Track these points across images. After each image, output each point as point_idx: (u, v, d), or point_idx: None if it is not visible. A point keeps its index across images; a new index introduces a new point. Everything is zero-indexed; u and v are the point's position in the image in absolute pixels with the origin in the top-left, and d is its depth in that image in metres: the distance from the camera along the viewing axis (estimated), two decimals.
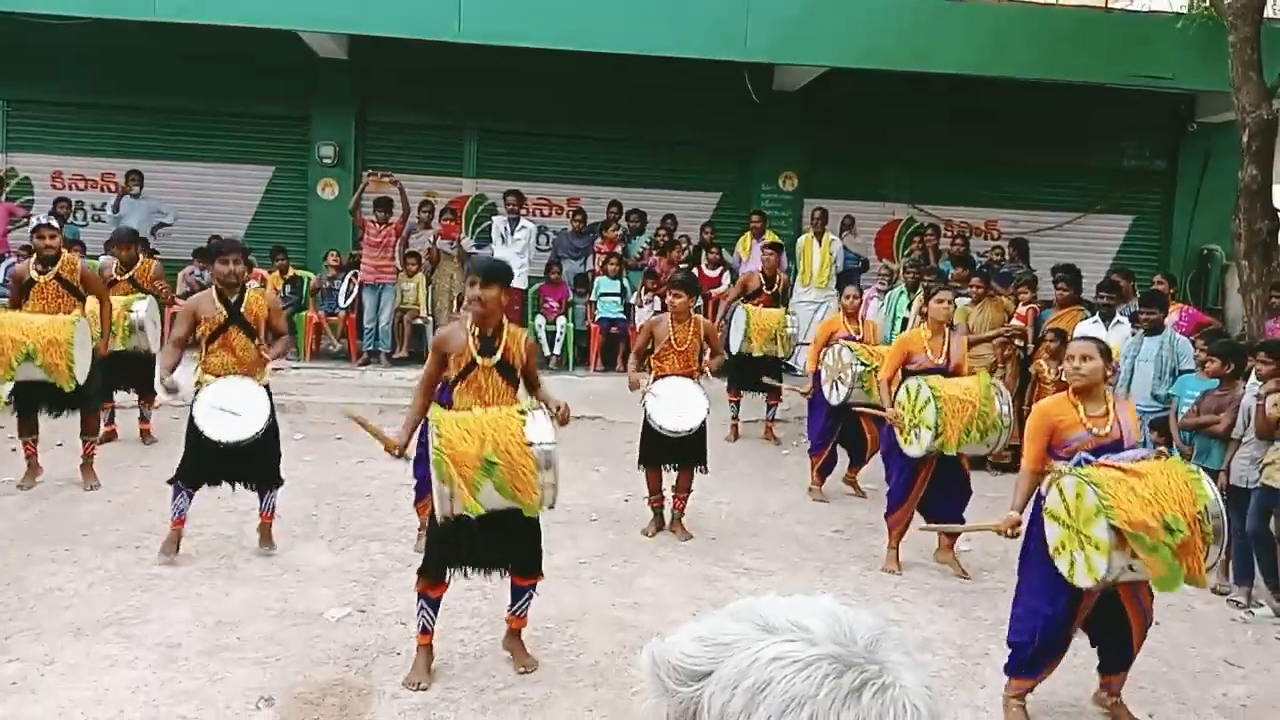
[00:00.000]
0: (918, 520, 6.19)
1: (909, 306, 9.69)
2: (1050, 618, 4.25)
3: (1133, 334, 7.99)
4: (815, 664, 0.82)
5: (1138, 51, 10.82)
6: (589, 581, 5.75)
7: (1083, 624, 4.36)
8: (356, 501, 6.93)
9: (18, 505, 6.53)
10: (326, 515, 6.64)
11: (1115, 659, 4.43)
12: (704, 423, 6.44)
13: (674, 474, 6.59)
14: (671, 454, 6.52)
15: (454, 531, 4.28)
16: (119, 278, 8.06)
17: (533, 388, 4.70)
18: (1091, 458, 4.24)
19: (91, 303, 7.10)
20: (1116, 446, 4.30)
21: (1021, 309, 9.28)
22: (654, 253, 11.79)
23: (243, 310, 5.71)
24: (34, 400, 6.82)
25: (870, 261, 12.57)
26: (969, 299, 9.26)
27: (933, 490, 6.16)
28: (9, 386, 6.48)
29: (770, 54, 11.03)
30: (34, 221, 10.97)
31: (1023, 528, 4.44)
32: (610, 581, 5.78)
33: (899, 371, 6.38)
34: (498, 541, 4.39)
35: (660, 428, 6.34)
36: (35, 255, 6.95)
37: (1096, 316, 8.45)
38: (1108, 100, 11.96)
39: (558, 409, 4.57)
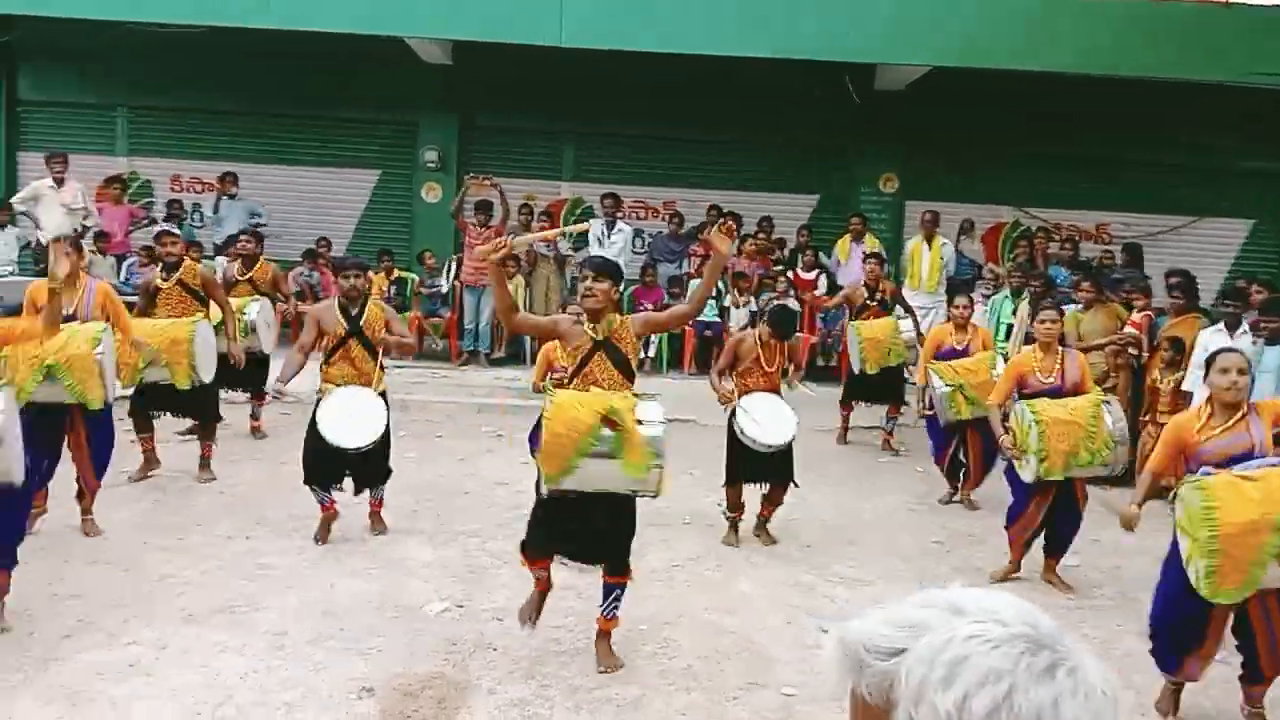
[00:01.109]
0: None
1: (1013, 312, 9.42)
2: (1183, 613, 4.29)
3: (1253, 343, 7.62)
4: (1011, 642, 0.89)
5: (1260, 48, 10.30)
6: (683, 584, 5.74)
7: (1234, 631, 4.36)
8: (456, 499, 7.05)
9: (135, 495, 6.82)
10: (427, 511, 6.77)
11: (1251, 670, 4.36)
12: (793, 439, 6.36)
13: (764, 487, 6.50)
14: (759, 469, 6.44)
15: (553, 513, 4.50)
16: (239, 278, 8.39)
17: (677, 313, 5.63)
18: (1213, 470, 4.19)
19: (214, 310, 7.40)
20: (1248, 457, 4.24)
21: (1136, 316, 8.88)
22: (750, 257, 11.68)
23: (362, 324, 5.91)
24: (157, 403, 7.10)
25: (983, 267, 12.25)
26: (1079, 304, 8.94)
27: (1052, 510, 5.94)
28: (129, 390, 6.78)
29: (872, 54, 10.86)
30: (156, 226, 11.50)
31: (1139, 524, 4.54)
32: (704, 586, 5.75)
33: (1011, 396, 6.17)
34: (592, 531, 4.51)
35: (754, 442, 6.25)
36: (159, 262, 7.28)
37: (1221, 325, 8.05)
38: (1227, 99, 11.41)
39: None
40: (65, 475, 6.04)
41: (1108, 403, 5.97)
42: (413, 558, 5.92)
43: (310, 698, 4.21)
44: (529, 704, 4.26)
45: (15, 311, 6.41)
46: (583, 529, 4.50)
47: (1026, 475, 5.81)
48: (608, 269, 4.71)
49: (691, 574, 5.91)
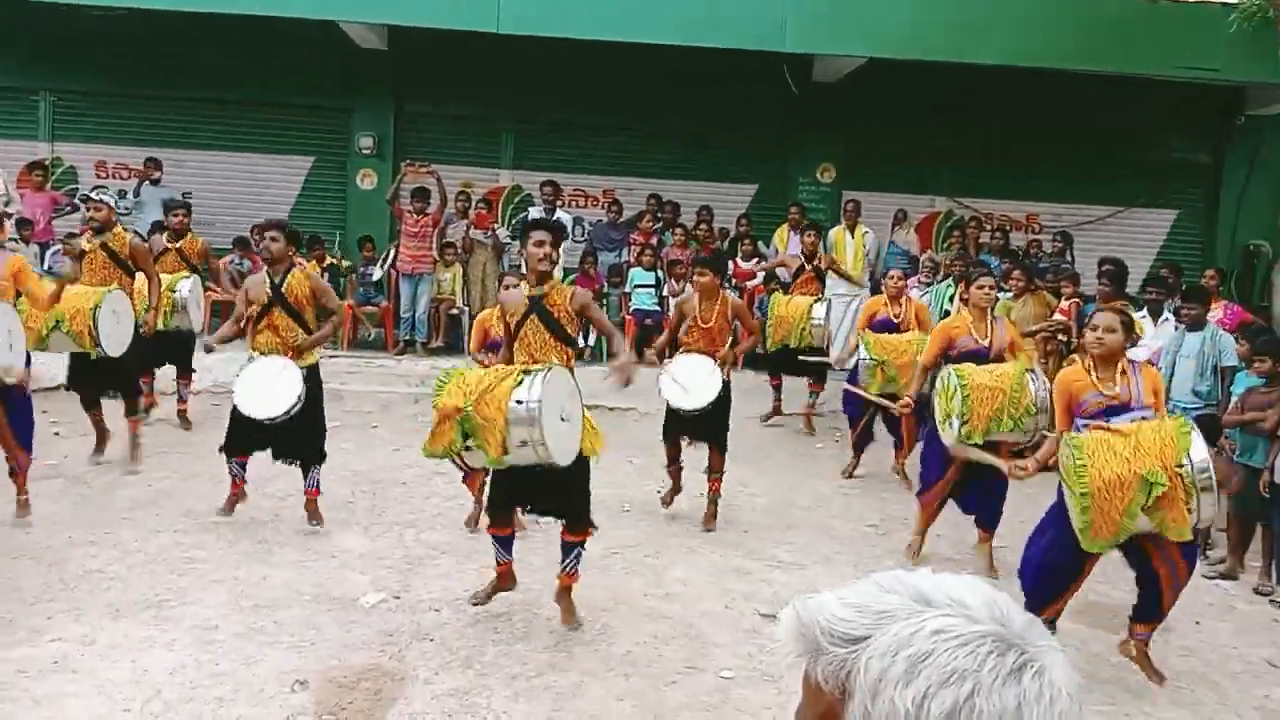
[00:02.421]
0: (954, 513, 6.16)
1: (952, 299, 9.59)
2: (1058, 562, 4.65)
3: (1176, 329, 7.84)
4: (979, 641, 0.85)
5: (1184, 43, 10.58)
6: (621, 571, 5.76)
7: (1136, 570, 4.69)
8: (392, 489, 6.98)
9: (60, 489, 6.63)
10: (362, 502, 6.70)
11: (1146, 610, 4.68)
12: (721, 401, 6.39)
13: (702, 450, 6.61)
14: (688, 428, 6.57)
15: (508, 477, 4.73)
16: (170, 246, 8.22)
17: (607, 331, 5.27)
18: (1090, 421, 4.58)
19: (140, 281, 7.25)
20: (1124, 409, 4.56)
21: (1064, 303, 9.11)
22: (681, 245, 11.71)
23: (284, 290, 5.83)
24: (84, 378, 7.02)
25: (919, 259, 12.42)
26: (1010, 293, 9.13)
27: (971, 480, 6.06)
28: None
29: (809, 45, 10.94)
30: (79, 213, 11.17)
31: (1029, 473, 4.89)
32: (642, 572, 5.77)
33: (940, 358, 6.30)
34: (545, 485, 4.72)
35: (672, 404, 6.43)
36: (84, 230, 7.13)
37: (1144, 312, 8.28)
38: (1153, 93, 11.74)
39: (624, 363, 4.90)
40: None
41: (1032, 370, 6.08)
42: (348, 549, 5.85)
43: (241, 691, 4.14)
44: (467, 693, 4.24)
45: None
46: (533, 484, 4.72)
47: (948, 438, 5.91)
48: (554, 227, 4.94)
49: (629, 560, 5.92)
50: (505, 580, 5.01)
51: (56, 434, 7.49)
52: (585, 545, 4.87)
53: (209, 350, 6.23)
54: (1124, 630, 4.82)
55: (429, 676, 4.36)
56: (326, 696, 4.16)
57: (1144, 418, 4.53)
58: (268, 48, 11.55)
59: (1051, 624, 4.75)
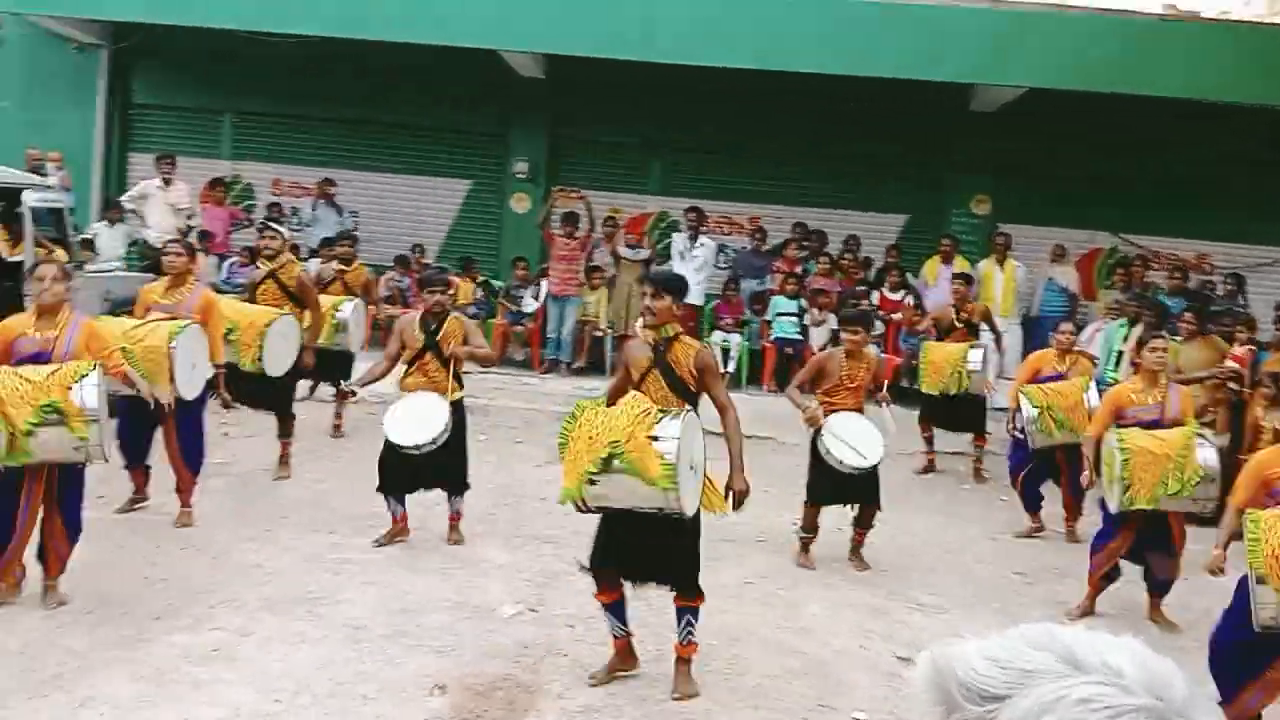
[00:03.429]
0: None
1: (1125, 339, 9.12)
2: (1244, 642, 4.29)
3: None
4: (1131, 714, 0.78)
5: None
6: (754, 602, 5.70)
7: None
8: (533, 504, 7.12)
9: (224, 487, 7.03)
10: (504, 515, 6.86)
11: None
12: (880, 461, 6.25)
13: (853, 510, 6.41)
14: (841, 491, 6.33)
15: (609, 527, 4.48)
16: (337, 276, 8.64)
17: (718, 405, 4.61)
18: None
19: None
20: None
21: (1238, 349, 8.55)
22: (825, 274, 11.54)
23: (439, 339, 6.03)
24: (239, 392, 7.06)
25: (1078, 296, 11.90)
26: (1180, 336, 8.64)
27: (1143, 543, 5.79)
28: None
29: (967, 74, 10.71)
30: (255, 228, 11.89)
31: (1228, 566, 4.57)
32: (775, 604, 5.71)
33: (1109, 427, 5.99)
34: (648, 549, 4.40)
35: (840, 463, 6.12)
36: (259, 258, 7.52)
37: None
38: None
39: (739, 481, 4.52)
40: (166, 462, 6.28)
41: (1202, 435, 5.76)
42: (488, 560, 6.00)
43: (385, 691, 4.29)
44: (597, 711, 4.28)
45: (123, 305, 6.70)
46: (639, 546, 4.41)
47: (1114, 505, 5.66)
48: (668, 283, 4.63)
49: (763, 592, 5.87)
50: (625, 660, 4.60)
51: (225, 434, 7.95)
52: (698, 612, 4.53)
53: (351, 394, 6.49)
54: None
55: (561, 691, 4.42)
56: (463, 702, 4.27)
57: None
58: (431, 75, 12.05)
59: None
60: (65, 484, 4.97)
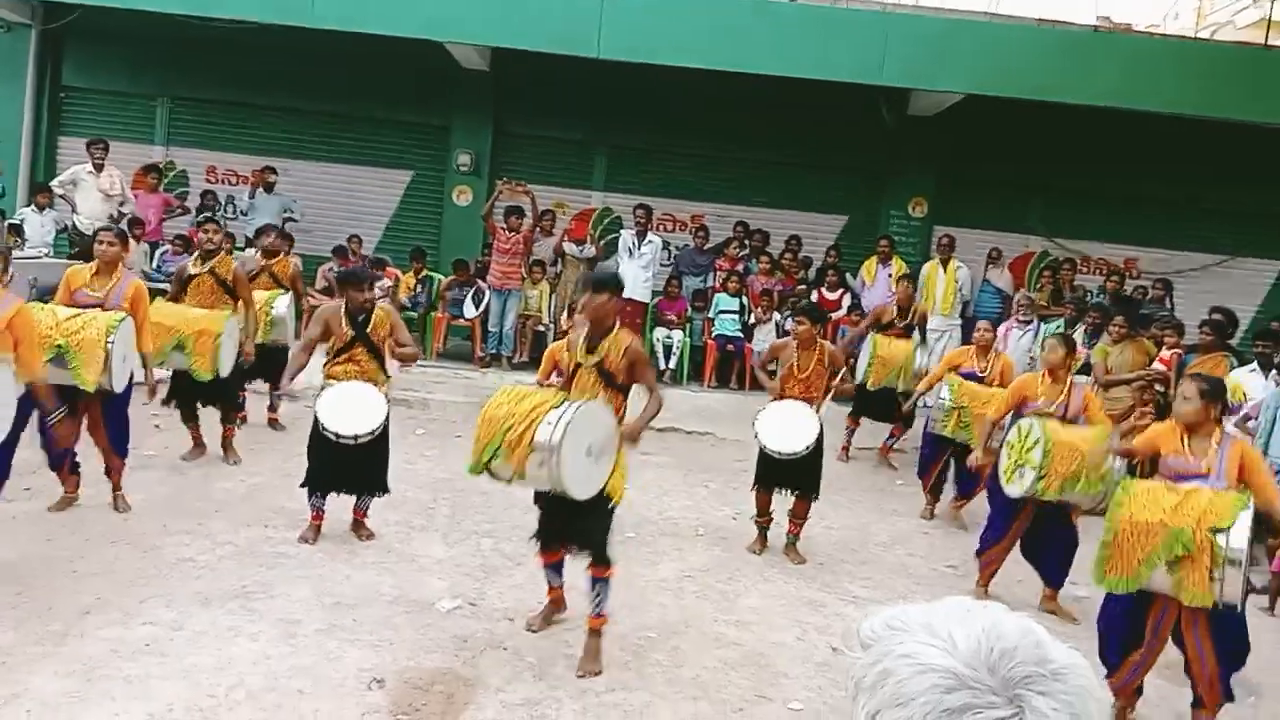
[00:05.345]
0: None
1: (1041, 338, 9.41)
2: (1119, 607, 4.66)
3: (1278, 384, 7.58)
4: (937, 674, 0.86)
5: None
6: (693, 595, 5.76)
7: None
8: (472, 498, 7.08)
9: (157, 479, 6.90)
10: (443, 509, 6.82)
11: (1194, 694, 4.52)
12: (818, 449, 6.37)
13: (789, 499, 6.53)
14: (784, 477, 6.49)
15: (542, 505, 4.85)
16: (264, 262, 8.52)
17: (648, 389, 4.90)
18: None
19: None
20: (1199, 479, 4.47)
21: (1165, 353, 8.84)
22: (765, 273, 11.67)
23: (369, 330, 5.97)
24: (186, 392, 7.25)
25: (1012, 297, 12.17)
26: (1110, 338, 8.92)
27: (1035, 536, 5.99)
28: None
29: (906, 79, 10.90)
30: (188, 216, 11.66)
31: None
32: (714, 597, 5.77)
33: (1012, 414, 6.26)
34: (570, 518, 4.72)
35: (764, 448, 6.35)
36: (195, 249, 7.38)
37: (1255, 365, 8.02)
38: (1260, 138, 11.38)
39: (633, 427, 4.78)
40: (95, 456, 6.16)
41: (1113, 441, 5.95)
42: (427, 554, 5.96)
43: (322, 685, 4.25)
44: (537, 704, 4.29)
45: (50, 293, 6.53)
46: (566, 516, 4.72)
47: (1015, 489, 5.79)
48: (604, 281, 4.83)
49: (702, 585, 5.92)
50: (558, 606, 5.12)
51: (156, 426, 7.79)
52: (609, 583, 4.75)
53: (289, 396, 6.42)
54: None
55: (500, 685, 4.42)
56: (401, 697, 4.25)
57: (1214, 488, 4.42)
58: (375, 65, 11.92)
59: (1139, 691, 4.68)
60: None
